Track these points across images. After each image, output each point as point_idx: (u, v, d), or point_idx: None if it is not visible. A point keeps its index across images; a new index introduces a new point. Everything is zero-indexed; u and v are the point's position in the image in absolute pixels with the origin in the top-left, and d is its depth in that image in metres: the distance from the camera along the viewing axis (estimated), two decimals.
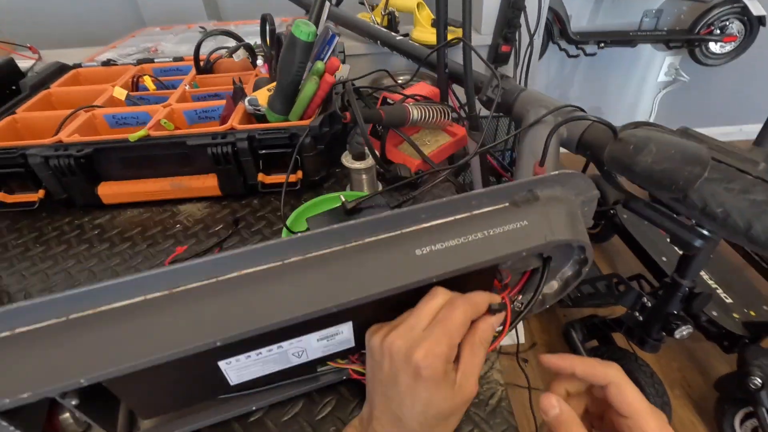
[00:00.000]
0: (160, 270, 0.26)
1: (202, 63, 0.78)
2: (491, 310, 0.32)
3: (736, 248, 1.50)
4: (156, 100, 0.73)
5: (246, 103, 0.63)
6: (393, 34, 0.85)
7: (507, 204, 0.37)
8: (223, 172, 0.62)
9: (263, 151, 0.60)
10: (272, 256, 0.29)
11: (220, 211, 0.64)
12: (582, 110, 0.59)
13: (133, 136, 0.58)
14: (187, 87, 0.73)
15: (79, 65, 0.84)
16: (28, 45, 1.10)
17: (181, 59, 0.85)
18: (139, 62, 0.83)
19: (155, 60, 0.85)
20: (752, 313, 1.20)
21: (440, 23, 0.70)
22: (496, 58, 1.18)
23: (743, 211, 0.37)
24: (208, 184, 0.63)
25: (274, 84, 0.63)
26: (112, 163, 0.62)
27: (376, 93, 0.75)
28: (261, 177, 0.62)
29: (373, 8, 1.20)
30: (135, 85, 0.78)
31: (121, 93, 0.68)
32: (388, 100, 0.69)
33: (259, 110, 0.63)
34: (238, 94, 0.65)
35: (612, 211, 1.62)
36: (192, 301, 0.28)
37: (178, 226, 0.61)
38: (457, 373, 0.29)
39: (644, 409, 0.29)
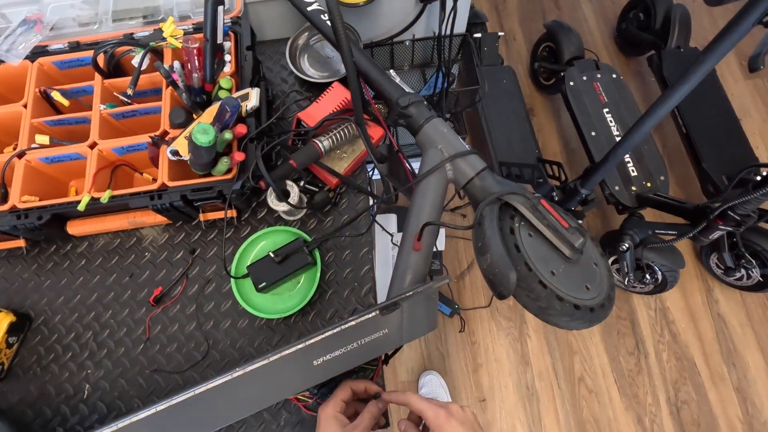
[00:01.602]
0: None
1: (104, 66, 0.75)
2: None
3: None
4: (75, 121, 0.75)
5: (168, 153, 0.68)
6: (325, 19, 0.74)
7: (376, 312, 0.57)
8: (169, 214, 0.73)
9: (197, 204, 0.70)
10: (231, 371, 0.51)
11: (177, 235, 0.78)
12: (477, 155, 0.67)
13: (81, 205, 0.67)
14: (102, 108, 0.74)
15: None
16: None
17: (77, 45, 0.78)
18: (34, 55, 0.77)
19: (50, 49, 0.78)
20: (648, 184, 1.44)
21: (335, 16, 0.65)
22: None
23: (536, 311, 0.57)
24: (159, 219, 0.75)
25: (189, 131, 0.67)
26: (72, 214, 0.72)
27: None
28: (201, 217, 0.74)
29: None
30: (45, 95, 0.76)
31: (44, 140, 0.71)
32: (302, 123, 0.73)
33: (181, 158, 0.69)
34: (158, 142, 0.68)
35: (562, 73, 1.63)
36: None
37: (147, 254, 0.77)
38: None
39: (425, 407, 0.50)
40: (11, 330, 0.70)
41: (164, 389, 0.70)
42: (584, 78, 1.58)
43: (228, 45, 0.72)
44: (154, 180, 0.78)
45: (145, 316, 0.73)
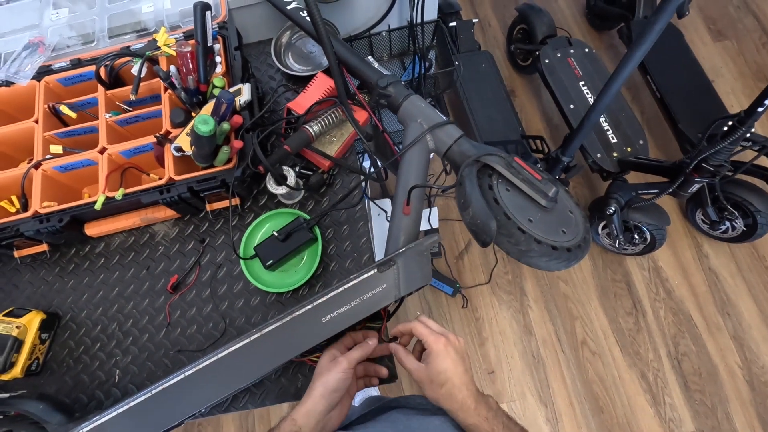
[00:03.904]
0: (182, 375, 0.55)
1: (106, 78, 0.81)
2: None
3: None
4: (83, 131, 0.82)
5: (172, 150, 0.74)
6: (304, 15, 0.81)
7: (375, 270, 0.63)
8: (177, 207, 0.79)
9: (204, 194, 0.76)
10: (248, 334, 0.57)
11: (186, 228, 0.84)
12: (454, 124, 0.73)
13: (98, 204, 0.73)
14: (107, 116, 0.80)
15: None
16: None
17: (78, 62, 0.85)
18: (40, 75, 0.84)
19: (54, 67, 0.85)
20: (629, 149, 1.50)
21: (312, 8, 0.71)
22: None
23: (517, 254, 0.63)
24: (169, 213, 0.81)
25: (189, 128, 0.73)
26: (88, 215, 0.78)
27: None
28: (208, 207, 0.80)
29: None
30: (53, 111, 0.82)
31: (57, 149, 0.77)
32: (292, 111, 0.79)
33: (185, 153, 0.75)
34: (162, 140, 0.75)
35: (537, 52, 1.70)
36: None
37: (160, 248, 0.83)
38: None
39: (427, 333, 0.56)
40: (43, 327, 0.76)
41: None
42: (558, 55, 1.65)
43: (217, 47, 0.79)
44: (161, 179, 0.85)
45: (165, 303, 0.79)
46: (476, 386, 0.56)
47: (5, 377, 0.71)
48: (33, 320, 0.75)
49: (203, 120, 0.62)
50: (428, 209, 1.54)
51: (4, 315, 0.74)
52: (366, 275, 0.63)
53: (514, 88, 1.97)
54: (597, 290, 1.65)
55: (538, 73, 1.77)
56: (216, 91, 0.77)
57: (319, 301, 0.61)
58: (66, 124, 0.86)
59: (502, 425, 0.53)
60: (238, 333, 0.77)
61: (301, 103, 0.79)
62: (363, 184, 0.80)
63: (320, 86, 0.81)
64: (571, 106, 1.58)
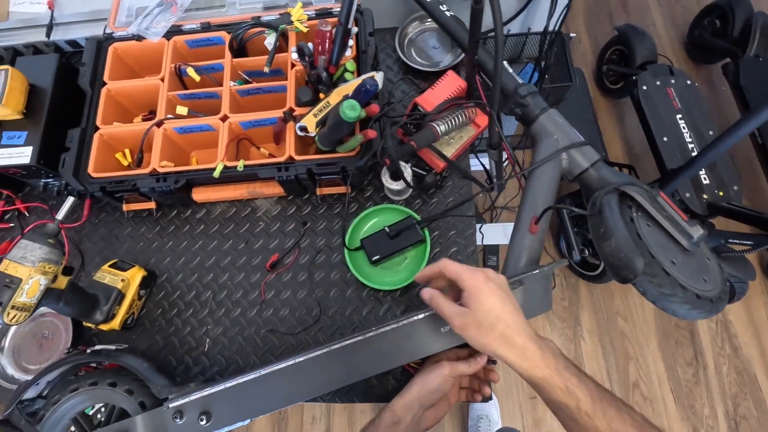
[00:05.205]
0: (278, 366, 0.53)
1: (234, 44, 0.81)
2: None
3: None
4: (205, 96, 0.81)
5: (297, 129, 0.73)
6: (443, 8, 0.78)
7: None
8: (288, 186, 0.78)
9: (320, 178, 0.75)
10: (364, 332, 0.56)
11: (289, 208, 0.83)
12: (591, 146, 0.69)
13: (216, 172, 0.73)
14: (232, 85, 0.79)
15: (111, 36, 0.85)
16: None
17: (208, 26, 0.84)
18: (169, 34, 0.84)
19: (184, 28, 0.84)
20: (721, 193, 1.41)
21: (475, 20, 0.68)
22: None
23: (656, 297, 0.59)
24: (276, 191, 0.80)
25: (318, 109, 0.71)
26: (199, 180, 0.78)
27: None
28: (319, 191, 0.79)
29: None
30: (178, 71, 0.82)
31: (183, 110, 0.77)
32: (419, 107, 0.77)
33: (308, 134, 0.73)
34: (288, 117, 0.73)
35: (634, 76, 1.62)
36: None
37: (260, 224, 0.82)
38: None
39: (461, 270, 0.48)
40: (142, 284, 0.77)
41: (279, 348, 0.75)
42: (658, 83, 1.57)
43: (355, 30, 0.77)
44: (271, 155, 0.84)
45: (260, 280, 0.79)
46: (533, 328, 0.47)
47: (105, 327, 0.72)
48: (135, 275, 0.76)
49: (351, 105, 0.60)
50: (500, 224, 1.50)
51: (110, 266, 0.75)
52: None
53: (597, 110, 1.89)
54: (658, 333, 1.58)
55: (629, 98, 1.70)
56: (348, 75, 0.75)
57: None
58: (185, 86, 0.86)
59: (577, 379, 0.44)
60: (331, 323, 0.76)
61: (429, 99, 0.76)
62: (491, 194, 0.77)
63: (450, 85, 0.78)
64: (665, 139, 1.49)
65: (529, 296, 0.61)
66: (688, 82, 1.58)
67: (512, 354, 0.45)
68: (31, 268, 0.57)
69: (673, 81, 1.58)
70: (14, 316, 0.56)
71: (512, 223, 0.69)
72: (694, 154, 1.46)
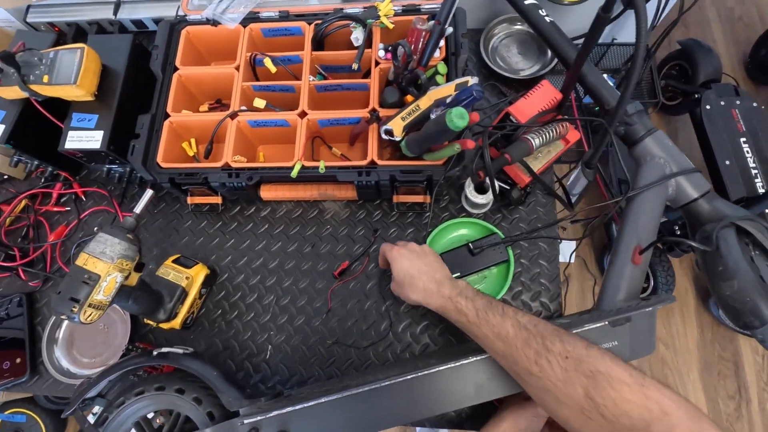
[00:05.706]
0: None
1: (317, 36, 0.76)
2: None
3: None
4: (280, 88, 0.77)
5: (382, 132, 0.68)
6: (543, 15, 0.72)
7: (606, 323, 0.55)
8: (363, 190, 0.73)
9: (401, 185, 0.70)
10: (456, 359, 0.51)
11: (359, 212, 0.79)
12: (701, 174, 0.64)
13: (294, 172, 0.69)
14: (311, 79, 0.75)
15: (183, 19, 0.81)
16: None
17: (287, 15, 0.80)
18: (246, 21, 0.79)
19: (261, 16, 0.80)
20: None
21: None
22: None
23: None
24: (349, 194, 0.76)
25: (407, 112, 0.67)
26: (270, 177, 0.74)
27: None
28: (395, 198, 0.74)
29: None
30: (253, 61, 0.78)
31: (261, 103, 0.73)
32: (511, 117, 0.72)
33: (393, 138, 0.69)
34: (373, 119, 0.69)
35: (697, 94, 1.55)
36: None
37: (328, 227, 0.78)
38: None
39: (385, 249, 0.63)
40: (204, 282, 0.73)
41: (344, 362, 0.71)
42: (722, 103, 1.50)
43: (450, 30, 0.72)
44: (343, 156, 0.80)
45: (326, 287, 0.75)
46: (444, 274, 0.59)
47: (166, 326, 0.68)
48: (199, 273, 0.72)
49: (460, 114, 0.55)
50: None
51: (173, 261, 0.71)
52: (595, 325, 0.56)
53: None
54: (699, 363, 1.52)
55: (686, 116, 1.63)
56: (439, 78, 0.70)
57: None
58: (256, 77, 0.82)
59: (465, 300, 0.54)
60: (397, 339, 0.71)
61: (522, 110, 0.71)
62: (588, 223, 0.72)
63: (544, 96, 0.73)
64: (727, 163, 1.43)
65: (635, 335, 0.57)
66: (755, 104, 1.51)
67: (419, 296, 0.58)
68: (110, 264, 0.53)
69: (738, 102, 1.51)
70: (90, 315, 0.53)
71: (570, 241, 0.66)
72: (757, 180, 1.39)
